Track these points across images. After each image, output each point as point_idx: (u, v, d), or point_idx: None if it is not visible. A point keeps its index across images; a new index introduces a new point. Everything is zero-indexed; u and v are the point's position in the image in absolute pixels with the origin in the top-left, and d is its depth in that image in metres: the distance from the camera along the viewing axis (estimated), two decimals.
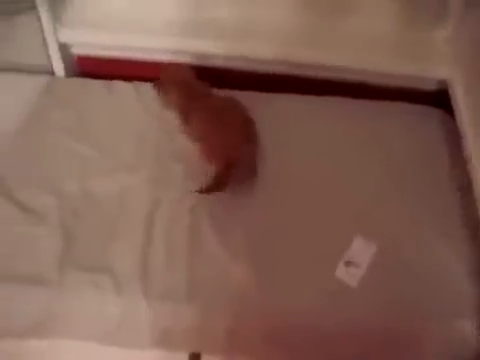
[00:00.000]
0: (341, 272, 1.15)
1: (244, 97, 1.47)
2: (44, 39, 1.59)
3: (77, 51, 1.67)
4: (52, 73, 1.66)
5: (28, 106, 1.52)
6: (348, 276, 1.14)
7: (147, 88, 1.53)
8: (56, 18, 1.56)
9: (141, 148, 1.41)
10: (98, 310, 1.13)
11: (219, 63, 1.60)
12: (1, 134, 1.44)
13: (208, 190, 1.26)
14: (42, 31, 1.58)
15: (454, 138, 1.41)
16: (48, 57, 1.63)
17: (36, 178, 1.33)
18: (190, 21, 1.59)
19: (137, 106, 1.52)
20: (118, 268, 1.16)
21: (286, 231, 1.23)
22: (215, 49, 1.57)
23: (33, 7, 1.53)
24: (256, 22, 1.58)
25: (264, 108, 1.47)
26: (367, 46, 1.57)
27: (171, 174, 1.34)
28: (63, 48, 1.63)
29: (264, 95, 1.57)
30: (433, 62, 1.53)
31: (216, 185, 1.27)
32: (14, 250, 1.19)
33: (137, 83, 1.58)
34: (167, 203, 1.28)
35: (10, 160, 1.39)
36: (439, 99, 1.55)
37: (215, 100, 1.44)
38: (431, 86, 1.57)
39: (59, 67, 1.64)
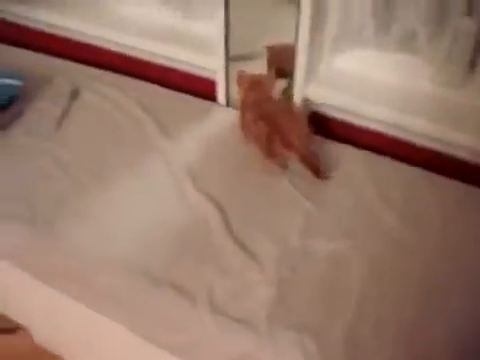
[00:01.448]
0: None
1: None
2: (291, 88, 1.66)
3: (315, 107, 1.71)
4: None
5: None
6: None
7: (378, 163, 1.55)
8: (309, 71, 1.62)
9: (364, 218, 1.40)
10: None
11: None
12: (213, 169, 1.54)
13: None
14: (292, 80, 1.64)
15: None
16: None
17: (259, 222, 1.38)
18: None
19: (364, 176, 1.52)
20: (324, 333, 1.16)
21: None
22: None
23: None
24: None
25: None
26: None
27: (390, 252, 1.33)
28: (304, 100, 1.68)
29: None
30: None
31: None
32: (229, 286, 1.24)
33: (368, 154, 1.59)
34: (380, 278, 1.27)
35: (230, 196, 1.46)
36: None
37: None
38: None
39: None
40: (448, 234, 1.36)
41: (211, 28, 1.72)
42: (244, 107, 1.62)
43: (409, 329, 1.17)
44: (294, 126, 1.53)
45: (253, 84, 1.62)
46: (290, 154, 1.49)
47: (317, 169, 1.49)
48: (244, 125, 1.59)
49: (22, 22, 2.14)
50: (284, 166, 1.51)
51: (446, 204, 1.44)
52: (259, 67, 1.75)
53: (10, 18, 2.17)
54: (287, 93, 1.68)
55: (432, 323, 1.18)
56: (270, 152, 1.50)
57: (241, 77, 1.64)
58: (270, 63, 1.70)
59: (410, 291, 1.24)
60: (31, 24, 2.12)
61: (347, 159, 1.57)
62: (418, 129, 1.55)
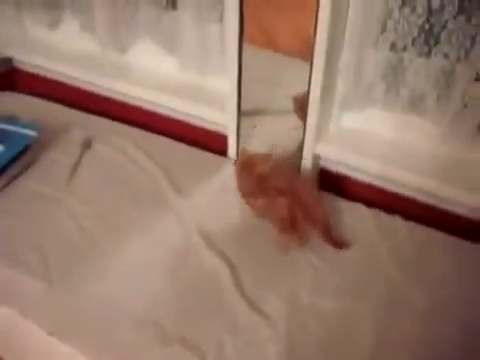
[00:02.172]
0: None
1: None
2: (302, 145, 1.68)
3: (324, 164, 1.74)
4: None
5: None
6: None
7: (388, 221, 1.57)
8: (318, 129, 1.65)
9: (375, 278, 1.40)
10: None
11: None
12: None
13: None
14: (303, 137, 1.66)
15: None
16: (299, 163, 1.71)
17: (269, 280, 1.39)
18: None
19: (375, 234, 1.53)
20: None
21: None
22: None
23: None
24: None
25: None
26: None
27: (401, 315, 1.32)
28: (313, 158, 1.70)
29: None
30: None
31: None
32: (239, 343, 1.24)
33: (378, 213, 1.60)
34: (390, 341, 1.25)
35: (240, 253, 1.46)
36: None
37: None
38: None
39: (305, 175, 1.73)
40: (462, 299, 1.36)
41: (223, 83, 1.76)
42: (245, 193, 1.59)
43: None
44: (310, 198, 1.52)
45: (246, 165, 1.59)
46: (312, 229, 1.49)
47: (339, 243, 1.49)
48: (258, 210, 1.56)
49: (39, 72, 2.20)
50: (303, 242, 1.49)
51: (458, 265, 1.44)
52: (272, 122, 1.80)
53: (27, 68, 2.23)
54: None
55: None
56: (291, 228, 1.48)
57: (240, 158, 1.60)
58: (299, 114, 1.71)
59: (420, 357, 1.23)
60: (48, 74, 2.18)
61: (357, 217, 1.58)
62: (422, 187, 1.57)
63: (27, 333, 1.40)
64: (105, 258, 1.44)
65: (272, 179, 1.54)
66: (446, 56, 1.43)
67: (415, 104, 1.57)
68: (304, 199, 1.50)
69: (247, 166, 1.58)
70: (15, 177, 1.68)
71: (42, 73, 2.21)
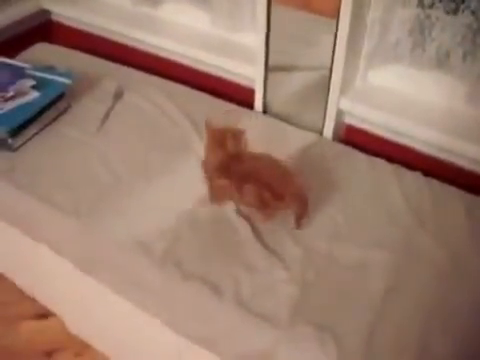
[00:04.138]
0: None
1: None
2: (326, 101, 1.71)
3: (348, 120, 1.77)
4: (320, 133, 1.78)
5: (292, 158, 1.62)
6: None
7: (409, 177, 1.59)
8: (344, 85, 1.68)
9: (391, 230, 1.44)
10: None
11: None
12: None
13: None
14: (327, 93, 1.70)
15: None
16: (323, 118, 1.75)
17: (286, 226, 1.43)
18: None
19: (394, 189, 1.55)
20: (344, 337, 1.19)
21: None
22: None
23: (326, 68, 1.67)
24: None
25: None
26: None
27: (416, 266, 1.35)
28: (338, 114, 1.73)
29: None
30: None
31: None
32: (255, 283, 1.30)
33: (398, 168, 1.63)
34: (407, 290, 1.29)
35: None
36: None
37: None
38: None
39: (329, 130, 1.76)
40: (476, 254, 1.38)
41: (253, 39, 1.81)
42: (209, 170, 1.46)
43: (428, 346, 1.19)
44: (276, 178, 1.41)
45: (218, 140, 1.43)
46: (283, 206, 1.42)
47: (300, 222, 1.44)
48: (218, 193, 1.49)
49: (74, 24, 2.27)
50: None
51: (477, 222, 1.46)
52: (298, 78, 1.84)
53: (63, 21, 2.30)
54: None
55: (451, 341, 1.19)
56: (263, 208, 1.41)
57: (207, 128, 1.44)
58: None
59: (432, 309, 1.26)
60: (83, 27, 2.25)
61: (377, 172, 1.62)
62: (446, 146, 1.60)
63: (55, 267, 1.49)
64: (132, 198, 1.51)
65: (235, 162, 1.42)
66: (473, 13, 1.43)
67: (441, 61, 1.58)
68: (268, 181, 1.38)
69: (218, 140, 1.42)
70: (50, 122, 1.76)
71: (77, 26, 2.28)
